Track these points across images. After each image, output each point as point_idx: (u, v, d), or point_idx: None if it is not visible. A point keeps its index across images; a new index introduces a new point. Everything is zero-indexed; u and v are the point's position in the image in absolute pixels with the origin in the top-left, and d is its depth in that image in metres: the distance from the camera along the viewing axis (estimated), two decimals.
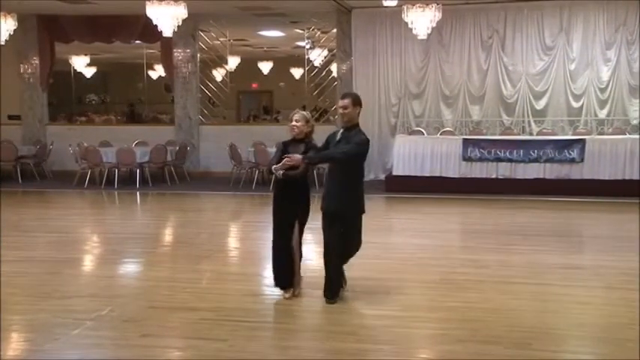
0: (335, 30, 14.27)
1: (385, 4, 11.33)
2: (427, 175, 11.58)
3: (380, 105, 13.87)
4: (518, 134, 12.88)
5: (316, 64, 15.20)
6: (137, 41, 15.09)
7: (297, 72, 18.56)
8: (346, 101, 5.38)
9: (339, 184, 5.34)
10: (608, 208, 10.15)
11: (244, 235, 9.04)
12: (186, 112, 15.02)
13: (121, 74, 21.58)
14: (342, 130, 5.38)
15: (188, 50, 14.83)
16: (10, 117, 15.43)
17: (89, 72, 20.00)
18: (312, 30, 14.89)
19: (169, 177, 13.26)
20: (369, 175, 13.83)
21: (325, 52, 15.14)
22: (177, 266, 6.69)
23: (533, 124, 13.28)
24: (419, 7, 11.26)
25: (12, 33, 12.13)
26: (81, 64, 19.30)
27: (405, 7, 11.39)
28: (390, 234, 8.66)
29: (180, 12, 10.66)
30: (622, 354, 4.27)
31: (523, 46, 13.20)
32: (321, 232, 5.43)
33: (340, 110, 5.42)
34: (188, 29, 13.96)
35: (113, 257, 7.20)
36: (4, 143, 13.64)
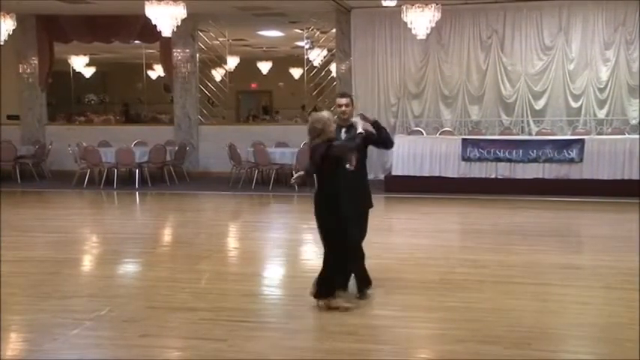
0: (334, 30, 14.27)
1: (384, 4, 11.33)
2: (426, 175, 11.58)
3: (379, 105, 13.87)
4: (518, 134, 12.89)
5: (315, 64, 15.21)
6: (136, 41, 15.09)
7: (296, 72, 18.56)
8: (347, 100, 5.37)
9: (364, 179, 5.33)
10: (607, 208, 10.15)
11: (243, 235, 9.03)
12: (185, 112, 15.01)
13: (121, 74, 21.57)
14: (343, 130, 5.28)
15: (187, 50, 14.83)
16: (9, 117, 15.42)
17: (88, 72, 19.99)
18: (312, 30, 14.89)
19: (168, 177, 13.26)
20: (369, 175, 13.81)
21: (324, 52, 15.14)
22: (177, 266, 6.68)
23: (532, 124, 13.29)
24: (418, 7, 11.26)
25: (11, 33, 12.12)
26: (80, 64, 19.29)
27: (405, 7, 11.39)
28: (390, 234, 8.66)
29: (180, 12, 10.66)
30: (621, 354, 4.27)
31: (522, 46, 13.21)
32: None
33: (342, 108, 5.36)
34: (187, 29, 13.96)
35: (112, 257, 7.20)
36: (3, 143, 13.63)
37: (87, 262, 7.25)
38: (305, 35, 15.08)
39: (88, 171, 12.87)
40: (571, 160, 11.20)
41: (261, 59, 19.90)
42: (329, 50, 14.91)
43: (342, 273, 5.17)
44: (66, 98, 19.66)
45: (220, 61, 15.91)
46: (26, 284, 5.93)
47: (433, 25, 11.48)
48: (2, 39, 11.99)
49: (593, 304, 5.36)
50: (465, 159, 11.50)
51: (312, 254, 7.71)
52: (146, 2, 10.53)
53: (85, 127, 16.49)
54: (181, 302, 5.36)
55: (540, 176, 11.29)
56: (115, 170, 12.78)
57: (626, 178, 11.00)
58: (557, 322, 4.89)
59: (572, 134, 12.36)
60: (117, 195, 12.22)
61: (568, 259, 6.86)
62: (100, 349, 4.43)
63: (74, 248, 7.68)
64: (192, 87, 14.99)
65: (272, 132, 14.69)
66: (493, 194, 10.92)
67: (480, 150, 11.49)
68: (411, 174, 11.67)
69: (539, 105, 13.27)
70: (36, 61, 15.16)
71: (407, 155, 11.83)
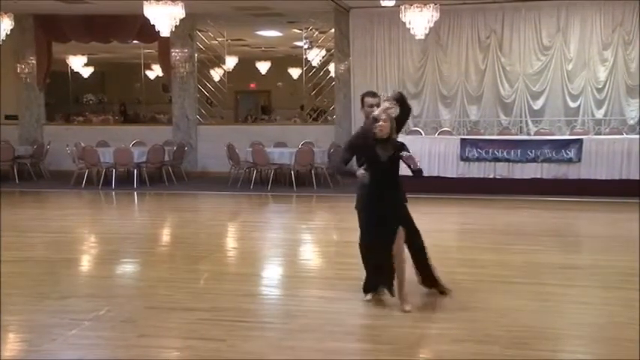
0: (333, 30, 14.28)
1: (383, 4, 11.33)
2: (425, 174, 11.55)
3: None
4: (516, 134, 12.90)
5: (314, 64, 15.21)
6: (134, 41, 15.09)
7: (295, 72, 18.56)
8: (377, 99, 5.39)
9: None
10: (605, 208, 10.16)
11: (242, 235, 9.03)
12: (183, 112, 15.01)
13: (119, 74, 21.57)
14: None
15: (186, 50, 14.83)
16: (7, 117, 15.42)
17: (86, 72, 19.98)
18: (310, 30, 14.89)
19: (167, 177, 13.25)
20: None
21: (323, 52, 15.14)
22: (175, 266, 6.68)
23: (530, 123, 13.31)
24: (416, 7, 11.28)
25: (9, 33, 12.12)
26: (78, 64, 19.28)
27: (403, 7, 11.40)
28: None
29: (178, 12, 10.66)
30: (620, 353, 4.27)
31: (520, 46, 13.24)
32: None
33: (374, 109, 5.27)
34: (186, 29, 13.96)
35: (111, 257, 7.19)
36: (2, 143, 13.62)
37: (85, 263, 7.24)
38: (304, 35, 15.09)
39: (86, 171, 12.86)
40: (569, 160, 11.21)
41: (260, 59, 19.90)
42: (327, 50, 14.91)
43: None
44: (64, 98, 19.65)
45: (219, 61, 15.91)
46: (24, 284, 5.92)
47: (432, 25, 11.50)
48: (0, 39, 11.97)
49: (592, 303, 5.36)
50: (464, 159, 11.50)
51: (311, 254, 7.73)
52: (144, 2, 10.54)
53: (83, 127, 16.48)
54: (180, 302, 5.36)
55: (539, 176, 11.29)
56: (114, 170, 12.77)
57: (624, 178, 11.00)
58: (555, 321, 4.89)
59: (570, 134, 12.37)
60: (115, 195, 12.21)
61: (566, 258, 6.87)
62: (98, 349, 4.42)
63: (72, 248, 7.68)
64: (191, 87, 14.99)
65: (270, 132, 14.70)
66: (492, 194, 10.92)
67: (479, 150, 11.49)
68: (410, 174, 11.62)
69: (537, 105, 13.30)
70: (34, 61, 15.15)
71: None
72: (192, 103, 15.03)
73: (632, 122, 12.90)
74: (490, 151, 11.48)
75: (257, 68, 20.02)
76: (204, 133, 15.01)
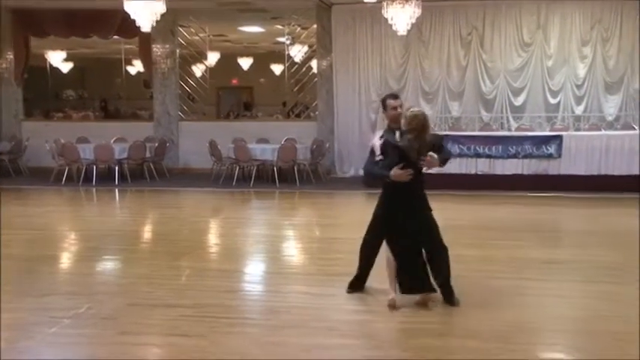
0: (315, 26, 14.26)
1: (365, 0, 11.33)
2: None
3: (360, 101, 13.92)
4: (497, 130, 12.99)
5: (296, 60, 15.18)
6: (115, 36, 14.93)
7: (277, 68, 18.50)
8: (400, 101, 5.26)
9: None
10: (584, 203, 10.28)
11: (224, 231, 9.00)
12: (165, 108, 14.91)
13: (99, 70, 21.31)
14: (397, 132, 5.06)
15: (167, 46, 14.71)
16: None
17: (66, 67, 19.72)
18: (293, 26, 14.86)
19: (148, 173, 13.16)
20: (350, 172, 13.88)
21: (305, 48, 15.11)
22: (157, 263, 6.63)
23: (511, 120, 13.42)
24: (398, 3, 11.27)
25: None
26: (57, 59, 19.01)
27: (385, 4, 11.39)
28: None
29: (159, 7, 10.54)
30: (599, 346, 4.33)
31: (501, 43, 13.33)
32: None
33: (398, 110, 5.17)
34: (167, 24, 13.85)
35: (91, 254, 7.12)
36: None
37: (65, 260, 7.16)
38: (286, 31, 15.05)
39: (67, 168, 12.73)
40: (550, 156, 11.32)
41: (242, 55, 19.80)
42: (310, 46, 14.89)
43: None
44: (43, 94, 19.39)
45: (201, 57, 15.82)
46: (4, 282, 5.83)
47: (413, 21, 11.50)
48: None
49: (572, 297, 5.42)
50: None
51: (294, 250, 7.74)
52: None
53: (62, 123, 16.28)
54: (161, 299, 5.33)
55: (520, 172, 11.39)
56: (94, 167, 12.65)
57: (602, 173, 11.15)
58: (536, 315, 4.94)
59: (550, 130, 12.49)
60: (96, 192, 12.10)
61: (547, 253, 6.93)
62: (78, 347, 4.38)
63: (52, 245, 7.59)
64: (172, 83, 14.89)
65: (253, 128, 14.65)
66: (473, 190, 11.00)
67: (460, 146, 11.56)
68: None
69: (518, 101, 13.41)
70: (11, 56, 14.94)
71: None
72: (174, 99, 14.93)
73: (610, 119, 13.06)
74: (472, 147, 11.55)
75: (239, 64, 19.93)
76: (185, 129, 14.92)
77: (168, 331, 4.63)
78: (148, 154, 13.16)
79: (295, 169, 12.51)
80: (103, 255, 7.18)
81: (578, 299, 5.38)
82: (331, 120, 14.16)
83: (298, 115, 15.83)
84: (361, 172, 13.08)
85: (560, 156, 11.28)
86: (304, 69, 15.05)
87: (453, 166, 11.59)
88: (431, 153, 4.91)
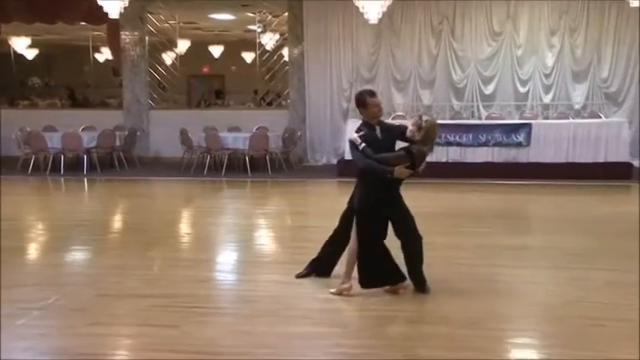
0: (287, 14, 14.16)
1: None
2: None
3: (332, 90, 13.90)
4: (468, 119, 13.10)
5: (268, 48, 15.07)
6: (82, 23, 14.62)
7: (248, 56, 18.33)
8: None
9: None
10: (553, 190, 10.44)
11: (196, 220, 8.93)
12: (135, 97, 14.69)
13: (66, 57, 20.87)
14: (378, 129, 5.13)
15: (136, 33, 14.48)
16: None
17: (31, 54, 19.28)
18: (264, 14, 14.73)
19: (118, 162, 12.98)
20: (322, 160, 13.89)
21: (277, 36, 15.01)
22: (127, 253, 6.56)
23: (482, 108, 13.54)
24: None
25: None
26: (22, 45, 18.56)
27: None
28: None
29: None
30: (566, 330, 4.42)
31: (472, 32, 13.42)
32: None
33: (379, 108, 5.19)
34: (135, 11, 13.62)
35: (60, 245, 7.01)
36: None
37: (33, 251, 7.03)
38: (257, 19, 14.92)
39: (33, 157, 12.48)
40: (519, 144, 11.46)
41: (213, 43, 19.59)
42: (281, 34, 14.79)
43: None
44: (7, 81, 18.93)
45: (171, 45, 15.60)
46: None
47: (385, 10, 11.49)
48: None
49: (541, 283, 5.52)
50: None
51: (266, 239, 7.72)
52: None
53: (28, 112, 15.95)
54: (132, 289, 5.27)
55: (490, 160, 11.52)
56: (62, 156, 12.42)
57: (570, 161, 11.34)
58: (506, 301, 5.02)
59: (520, 119, 12.64)
60: (64, 181, 11.90)
61: (517, 240, 7.04)
62: (47, 338, 4.31)
63: (20, 236, 7.43)
64: (142, 71, 14.67)
65: (224, 117, 14.51)
66: (444, 178, 11.06)
67: None
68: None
69: (488, 90, 13.53)
70: None
71: None
72: (144, 87, 14.72)
73: (577, 107, 13.27)
74: (443, 135, 11.60)
75: (210, 52, 19.71)
76: (156, 117, 14.73)
77: (139, 322, 4.59)
78: (117, 143, 12.97)
79: (267, 157, 12.46)
80: (72, 246, 7.07)
81: (548, 285, 5.47)
82: (303, 108, 14.12)
83: (270, 104, 15.74)
84: (333, 161, 13.13)
85: (529, 144, 11.43)
86: (276, 57, 14.95)
87: None
88: None
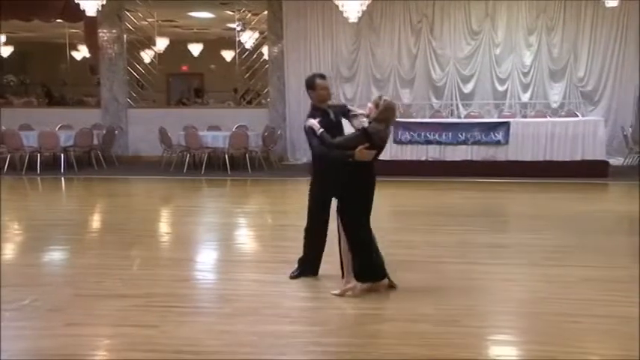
0: (266, 12, 14.13)
1: None
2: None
3: None
4: (447, 117, 13.19)
5: (247, 46, 15.02)
6: (58, 20, 14.45)
7: (228, 54, 18.26)
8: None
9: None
10: (530, 188, 10.56)
11: (175, 220, 8.87)
12: (113, 95, 14.56)
13: (42, 55, 20.60)
14: (332, 113, 5.22)
15: (114, 31, 14.34)
16: None
17: (5, 51, 19.00)
18: (243, 12, 14.69)
19: (96, 162, 12.86)
20: (302, 159, 13.87)
21: (256, 35, 14.97)
22: (106, 253, 6.50)
23: (461, 107, 13.64)
24: None
25: None
26: None
27: None
28: None
29: None
30: (543, 327, 4.47)
31: (451, 31, 13.52)
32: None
33: (327, 91, 5.29)
34: (113, 9, 13.50)
35: (37, 245, 6.91)
36: None
37: (9, 251, 6.92)
38: (236, 17, 14.87)
39: (8, 156, 12.31)
40: (497, 143, 11.56)
41: (192, 41, 19.48)
42: (261, 33, 14.76)
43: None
44: None
45: (149, 43, 15.48)
46: None
47: (364, 8, 11.52)
48: None
49: (518, 280, 5.57)
50: (397, 142, 11.67)
51: (246, 238, 7.70)
52: None
53: (3, 110, 15.67)
54: (111, 289, 5.23)
55: (469, 158, 11.60)
56: (38, 155, 12.27)
57: (547, 159, 11.46)
58: (483, 298, 5.06)
59: (498, 117, 12.75)
60: (41, 180, 11.75)
61: (494, 238, 7.10)
62: (22, 340, 4.26)
63: None
64: (120, 69, 14.54)
65: (204, 115, 14.45)
66: (424, 176, 11.15)
67: (411, 133, 11.69)
68: None
69: (467, 88, 13.63)
70: None
71: None
72: (122, 85, 14.59)
73: (555, 106, 13.43)
74: (422, 133, 11.70)
75: (189, 50, 19.60)
76: (135, 116, 14.61)
77: (117, 322, 4.55)
78: (95, 142, 12.84)
79: (247, 156, 12.43)
80: (49, 245, 6.98)
81: (525, 282, 5.53)
82: (283, 107, 14.10)
83: (250, 102, 15.69)
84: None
85: (507, 142, 11.53)
86: (255, 55, 14.91)
87: (404, 153, 11.76)
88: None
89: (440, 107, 13.68)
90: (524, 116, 13.02)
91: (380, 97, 5.05)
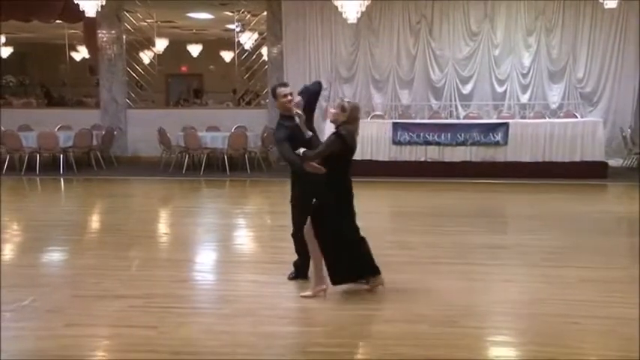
0: (265, 13, 14.13)
1: None
2: (358, 158, 11.47)
3: None
4: (446, 118, 13.20)
5: (247, 47, 15.03)
6: (58, 21, 14.45)
7: (227, 55, 18.28)
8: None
9: None
10: (529, 189, 10.56)
11: (174, 220, 8.88)
12: (112, 96, 14.56)
13: (41, 55, 20.62)
14: (298, 119, 5.30)
15: (113, 31, 14.35)
16: None
17: (5, 52, 19.00)
18: (242, 13, 14.70)
19: (95, 162, 12.86)
20: None
21: (256, 36, 14.98)
22: (105, 253, 6.50)
23: (460, 108, 13.64)
24: None
25: None
26: None
27: None
28: None
29: None
30: (541, 327, 4.47)
31: (450, 32, 13.52)
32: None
33: (288, 98, 5.30)
34: (112, 9, 13.51)
35: (36, 245, 6.92)
36: None
37: (8, 252, 6.92)
38: (236, 18, 14.87)
39: (8, 156, 12.31)
40: (496, 143, 11.57)
41: (191, 42, 19.49)
42: (260, 33, 14.76)
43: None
44: None
45: (148, 43, 15.48)
46: None
47: (363, 9, 11.53)
48: None
49: (516, 281, 5.58)
50: (396, 142, 11.68)
51: (245, 239, 7.71)
52: None
53: (3, 110, 15.65)
54: (109, 290, 5.23)
55: (468, 159, 11.60)
56: (38, 155, 12.27)
57: (546, 160, 11.47)
58: (482, 299, 5.07)
59: (497, 118, 12.76)
60: (40, 181, 11.75)
61: (493, 239, 7.11)
62: (21, 340, 4.26)
63: None
64: (119, 70, 14.54)
65: (203, 116, 14.46)
66: (423, 177, 11.15)
67: (410, 134, 11.70)
68: None
69: (466, 89, 13.64)
70: None
71: None
72: (121, 86, 14.59)
73: (554, 107, 13.44)
74: (421, 134, 11.70)
75: (188, 51, 19.61)
76: (134, 117, 14.61)
77: (116, 323, 4.56)
78: (94, 143, 12.84)
79: (246, 156, 12.44)
80: (49, 246, 6.99)
81: (524, 283, 5.53)
82: None
83: (249, 103, 15.70)
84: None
85: (506, 143, 11.54)
86: (254, 56, 14.92)
87: (403, 154, 11.76)
88: None
89: (439, 108, 13.68)
90: (523, 117, 13.02)
91: (343, 100, 5.18)
